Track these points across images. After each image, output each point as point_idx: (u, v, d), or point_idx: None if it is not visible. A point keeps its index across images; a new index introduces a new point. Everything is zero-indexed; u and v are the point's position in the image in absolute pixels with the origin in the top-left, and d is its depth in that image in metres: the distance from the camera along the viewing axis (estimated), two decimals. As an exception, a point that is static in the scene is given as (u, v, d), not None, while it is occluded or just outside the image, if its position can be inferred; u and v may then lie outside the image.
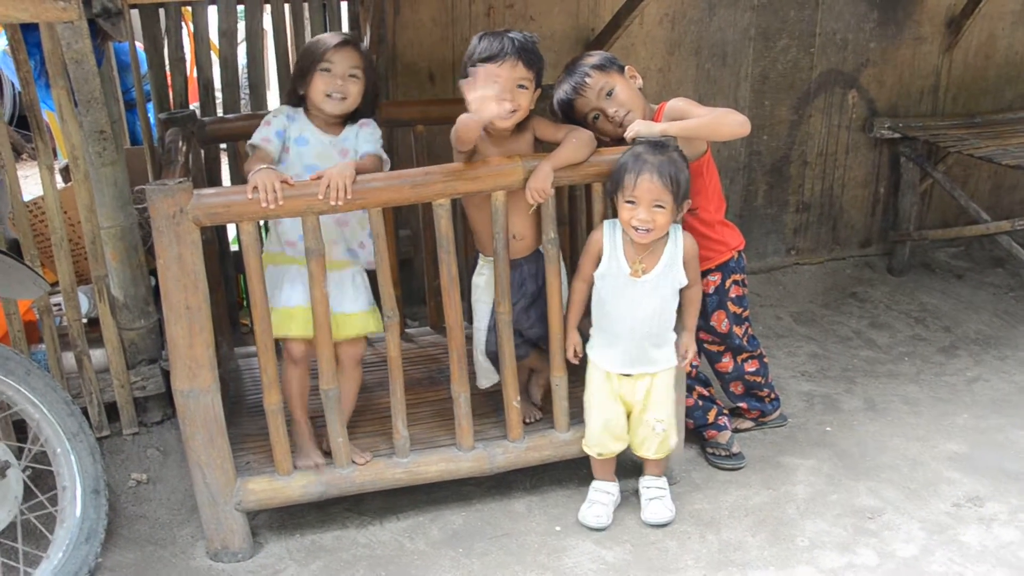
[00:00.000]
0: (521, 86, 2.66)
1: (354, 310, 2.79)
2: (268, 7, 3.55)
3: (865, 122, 4.52)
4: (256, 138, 2.74)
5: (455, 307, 2.73)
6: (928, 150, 4.51)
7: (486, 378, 2.98)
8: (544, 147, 2.76)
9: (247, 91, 3.74)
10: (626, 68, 2.91)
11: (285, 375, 2.78)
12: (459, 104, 3.58)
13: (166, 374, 3.23)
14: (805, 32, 4.28)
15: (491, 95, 2.53)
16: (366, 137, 2.79)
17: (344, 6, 3.60)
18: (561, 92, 2.91)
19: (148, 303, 3.15)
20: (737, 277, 3.16)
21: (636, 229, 2.66)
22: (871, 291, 4.52)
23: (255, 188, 2.47)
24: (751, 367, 3.27)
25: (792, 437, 3.32)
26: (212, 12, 3.53)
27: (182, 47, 3.45)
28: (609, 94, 2.86)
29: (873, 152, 4.61)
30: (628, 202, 2.65)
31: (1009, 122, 4.56)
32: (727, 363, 3.26)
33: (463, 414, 2.83)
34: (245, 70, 3.65)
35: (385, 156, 2.79)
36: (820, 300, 4.45)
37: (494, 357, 2.88)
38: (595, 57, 2.92)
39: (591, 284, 2.78)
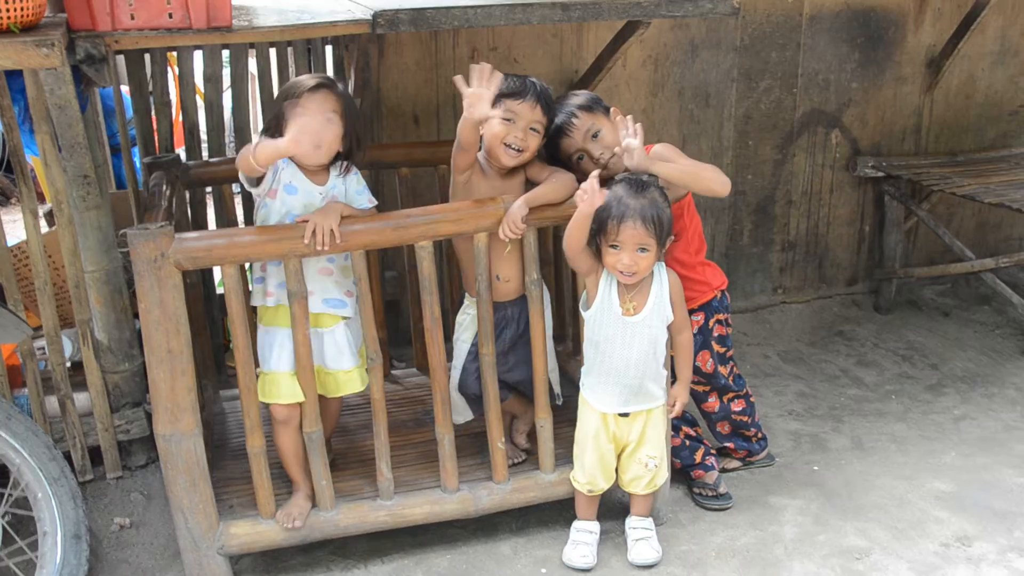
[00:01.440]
0: (534, 129, 2.70)
1: (339, 368, 2.77)
2: (253, 52, 3.58)
3: (849, 161, 4.56)
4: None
5: (439, 348, 2.74)
6: (912, 188, 4.55)
7: (460, 415, 2.96)
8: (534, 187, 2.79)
9: (232, 135, 3.76)
10: (611, 110, 2.94)
11: (277, 438, 2.75)
12: (443, 146, 3.62)
13: (150, 417, 3.21)
14: (787, 73, 4.33)
15: (486, 94, 2.54)
16: (356, 191, 2.72)
17: (329, 50, 3.63)
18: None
19: (132, 346, 3.14)
20: (720, 317, 3.16)
21: (621, 272, 2.68)
22: (858, 329, 4.53)
23: (312, 231, 2.47)
24: (737, 407, 3.27)
25: (780, 476, 3.31)
26: (198, 57, 3.56)
27: (167, 92, 3.47)
28: (595, 136, 2.88)
29: (857, 191, 4.65)
30: (612, 246, 2.66)
31: (991, 160, 4.61)
32: (713, 403, 3.25)
33: (447, 455, 2.82)
34: (231, 114, 3.67)
35: (375, 203, 2.78)
36: (807, 339, 4.45)
37: (471, 398, 2.88)
38: (581, 97, 2.95)
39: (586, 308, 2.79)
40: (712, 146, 4.31)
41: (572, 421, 2.93)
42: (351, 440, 3.17)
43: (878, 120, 4.56)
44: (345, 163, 2.71)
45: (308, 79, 2.66)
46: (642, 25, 3.39)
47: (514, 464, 2.98)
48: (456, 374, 2.90)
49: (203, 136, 3.61)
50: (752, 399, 3.31)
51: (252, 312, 2.75)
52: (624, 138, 2.75)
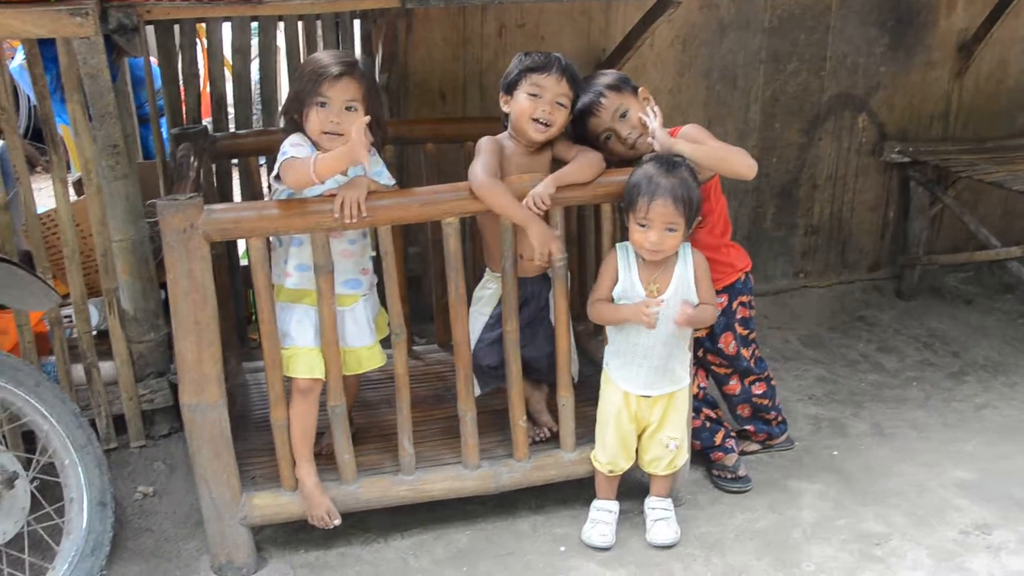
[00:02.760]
0: (560, 103, 2.70)
1: (361, 344, 2.78)
2: (281, 24, 3.58)
3: (875, 146, 4.53)
4: (291, 152, 2.56)
5: (463, 324, 2.74)
6: (938, 175, 4.51)
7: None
8: (561, 165, 2.78)
9: (259, 107, 3.77)
10: (640, 90, 2.92)
11: (293, 408, 2.72)
12: (469, 122, 3.62)
13: (174, 387, 3.25)
14: (815, 56, 4.29)
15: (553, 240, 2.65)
16: (376, 171, 2.70)
17: (357, 24, 3.62)
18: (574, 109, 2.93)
19: (158, 316, 3.17)
20: (744, 299, 3.16)
21: (648, 250, 2.68)
22: (879, 315, 4.51)
23: (341, 204, 2.47)
24: (758, 389, 3.27)
25: (799, 461, 3.31)
26: (226, 29, 3.55)
27: (196, 63, 3.48)
28: (623, 115, 2.87)
29: (883, 176, 4.61)
30: (640, 224, 2.67)
31: (1021, 147, 4.55)
32: (734, 385, 3.25)
33: (469, 432, 2.83)
34: (258, 86, 3.67)
35: (394, 182, 2.79)
36: (828, 323, 4.44)
37: (481, 370, 2.89)
38: (609, 77, 2.94)
39: (610, 301, 2.78)
40: (738, 128, 4.28)
41: (591, 400, 2.94)
42: (372, 415, 3.18)
43: (906, 105, 4.52)
44: None
45: (331, 63, 2.56)
46: (672, 4, 3.37)
47: (535, 442, 2.99)
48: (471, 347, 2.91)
49: (230, 108, 3.61)
50: (773, 382, 3.31)
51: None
52: (645, 120, 2.76)
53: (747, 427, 3.33)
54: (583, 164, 2.69)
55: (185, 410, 2.59)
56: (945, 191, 4.52)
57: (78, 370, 3.15)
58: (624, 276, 2.75)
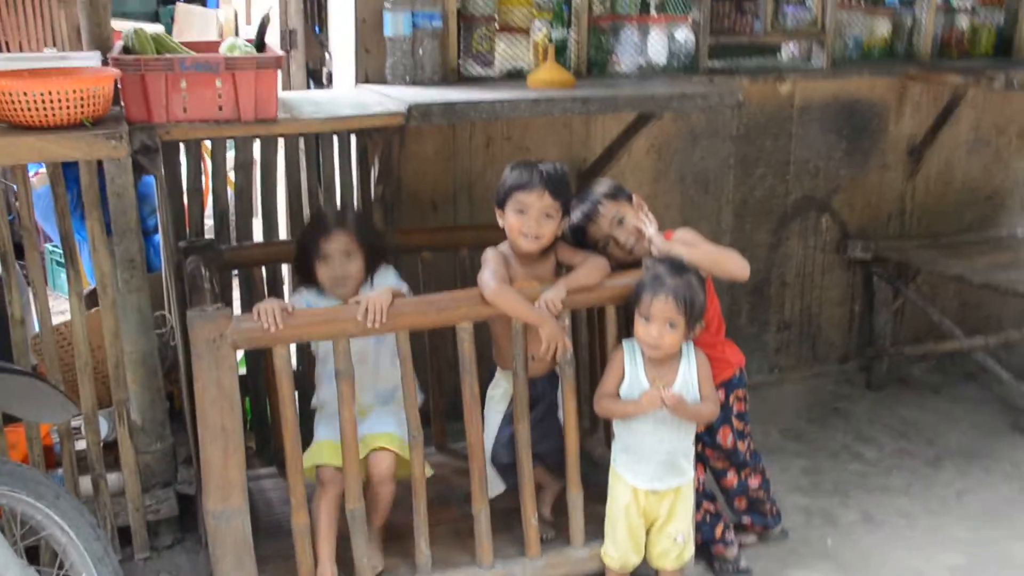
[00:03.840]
0: (548, 215, 2.84)
1: (382, 430, 2.87)
2: (281, 140, 3.71)
3: (838, 244, 4.77)
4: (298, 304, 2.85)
5: (477, 426, 2.83)
6: (899, 270, 4.76)
7: (492, 488, 3.04)
8: (566, 270, 2.92)
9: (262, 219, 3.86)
10: (634, 197, 3.10)
11: (316, 502, 2.80)
12: (461, 231, 3.77)
13: (180, 497, 3.26)
14: (780, 161, 4.55)
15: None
16: (388, 281, 2.93)
17: (353, 139, 3.77)
18: (574, 218, 3.09)
19: (164, 426, 3.20)
20: (739, 393, 3.29)
21: (648, 344, 2.82)
22: (852, 406, 4.67)
23: (258, 314, 2.60)
24: (754, 482, 3.37)
25: (795, 551, 3.41)
26: (229, 144, 3.68)
27: (200, 179, 3.59)
28: (620, 222, 3.04)
29: (847, 272, 4.85)
30: (643, 318, 2.81)
31: (970, 243, 4.85)
32: (732, 479, 3.36)
33: (483, 531, 2.89)
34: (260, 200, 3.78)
35: (406, 285, 2.94)
36: (805, 416, 4.59)
37: (502, 468, 2.97)
38: (605, 186, 3.12)
39: (616, 397, 2.89)
40: (712, 230, 4.48)
41: (596, 497, 3.02)
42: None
43: (865, 205, 4.79)
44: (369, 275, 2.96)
45: (324, 224, 2.95)
46: (655, 117, 3.59)
47: (545, 540, 3.05)
48: (489, 445, 2.99)
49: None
50: (767, 474, 3.42)
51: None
52: (640, 227, 2.95)
53: (744, 520, 3.42)
54: (591, 269, 2.84)
55: (210, 517, 2.62)
56: (906, 285, 4.76)
57: (85, 482, 3.14)
58: (630, 372, 2.87)
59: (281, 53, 3.04)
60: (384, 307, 2.61)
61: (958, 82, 4.35)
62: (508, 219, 2.90)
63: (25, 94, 2.42)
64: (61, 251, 3.02)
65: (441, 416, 3.63)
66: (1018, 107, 4.92)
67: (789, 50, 4.57)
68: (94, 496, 3.13)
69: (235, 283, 3.69)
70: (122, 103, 2.86)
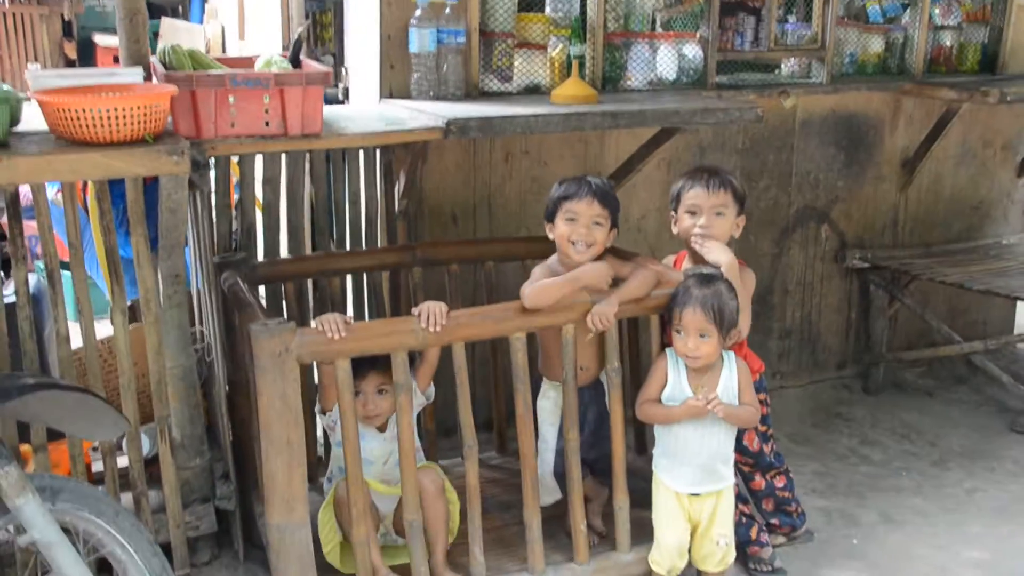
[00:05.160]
0: (597, 223, 2.91)
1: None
2: (308, 155, 3.73)
3: (837, 253, 4.91)
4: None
5: (528, 435, 2.88)
6: (895, 278, 4.91)
7: (550, 496, 3.09)
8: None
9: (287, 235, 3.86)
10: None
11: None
12: (489, 244, 3.82)
13: (219, 513, 3.26)
14: (783, 173, 4.68)
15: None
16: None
17: (378, 154, 3.80)
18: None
19: (203, 442, 3.20)
20: (761, 396, 3.38)
21: (686, 356, 2.90)
22: (853, 411, 4.80)
23: (322, 325, 2.62)
24: (780, 483, 3.47)
25: (822, 551, 3.50)
26: (258, 160, 3.69)
27: (229, 194, 3.59)
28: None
29: (845, 281, 4.99)
30: (676, 331, 2.89)
31: (960, 251, 5.02)
32: (759, 481, 3.45)
33: (535, 539, 2.93)
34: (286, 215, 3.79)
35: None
36: (809, 421, 4.70)
37: (560, 478, 3.02)
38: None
39: (659, 403, 2.96)
40: (718, 241, 4.59)
41: (640, 503, 3.08)
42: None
43: (861, 215, 4.94)
44: None
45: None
46: (678, 131, 3.68)
47: (591, 546, 3.10)
48: (549, 457, 3.04)
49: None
50: (791, 475, 3.52)
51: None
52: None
53: (772, 521, 3.51)
54: (641, 281, 2.91)
55: (273, 530, 2.63)
56: (902, 292, 4.91)
57: (126, 499, 3.12)
58: (673, 379, 2.95)
59: (328, 69, 3.04)
60: (442, 312, 2.65)
61: (952, 97, 4.51)
62: (558, 228, 2.95)
63: (91, 111, 2.42)
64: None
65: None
66: (1004, 121, 5.11)
67: (789, 66, 4.70)
68: (136, 513, 3.11)
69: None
70: (170, 118, 2.86)
